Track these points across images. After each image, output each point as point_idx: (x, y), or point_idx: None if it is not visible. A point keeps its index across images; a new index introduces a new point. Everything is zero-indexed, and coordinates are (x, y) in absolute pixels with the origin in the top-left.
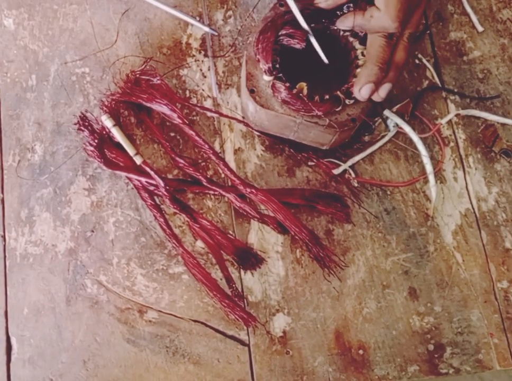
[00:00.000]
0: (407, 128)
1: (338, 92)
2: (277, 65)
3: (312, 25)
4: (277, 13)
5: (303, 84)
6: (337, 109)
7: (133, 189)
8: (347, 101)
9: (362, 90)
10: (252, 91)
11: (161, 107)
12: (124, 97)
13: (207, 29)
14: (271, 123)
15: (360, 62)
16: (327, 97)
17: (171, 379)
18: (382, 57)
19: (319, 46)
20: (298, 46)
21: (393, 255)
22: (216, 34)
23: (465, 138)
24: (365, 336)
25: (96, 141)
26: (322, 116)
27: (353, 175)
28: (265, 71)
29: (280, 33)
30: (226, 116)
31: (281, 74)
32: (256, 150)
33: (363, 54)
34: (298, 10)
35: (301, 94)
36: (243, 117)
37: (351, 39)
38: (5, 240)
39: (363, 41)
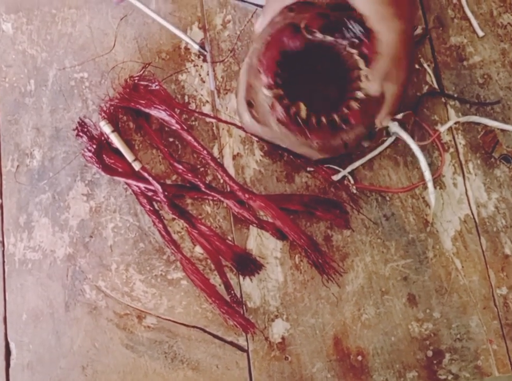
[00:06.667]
0: (406, 137)
1: (335, 116)
2: (279, 81)
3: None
4: (285, 22)
5: (303, 106)
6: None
7: (132, 194)
8: (343, 126)
9: (383, 122)
10: (249, 104)
11: (159, 113)
12: (123, 103)
13: (197, 47)
14: (263, 132)
15: (362, 73)
16: (323, 119)
17: None
18: (395, 102)
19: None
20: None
21: (392, 261)
22: (206, 53)
23: (464, 144)
24: (364, 342)
25: (95, 146)
26: (316, 144)
27: (352, 181)
28: (265, 86)
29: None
30: (225, 122)
31: (281, 90)
32: (255, 156)
33: (362, 57)
34: None
35: (298, 118)
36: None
37: (351, 50)
38: (3, 246)
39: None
